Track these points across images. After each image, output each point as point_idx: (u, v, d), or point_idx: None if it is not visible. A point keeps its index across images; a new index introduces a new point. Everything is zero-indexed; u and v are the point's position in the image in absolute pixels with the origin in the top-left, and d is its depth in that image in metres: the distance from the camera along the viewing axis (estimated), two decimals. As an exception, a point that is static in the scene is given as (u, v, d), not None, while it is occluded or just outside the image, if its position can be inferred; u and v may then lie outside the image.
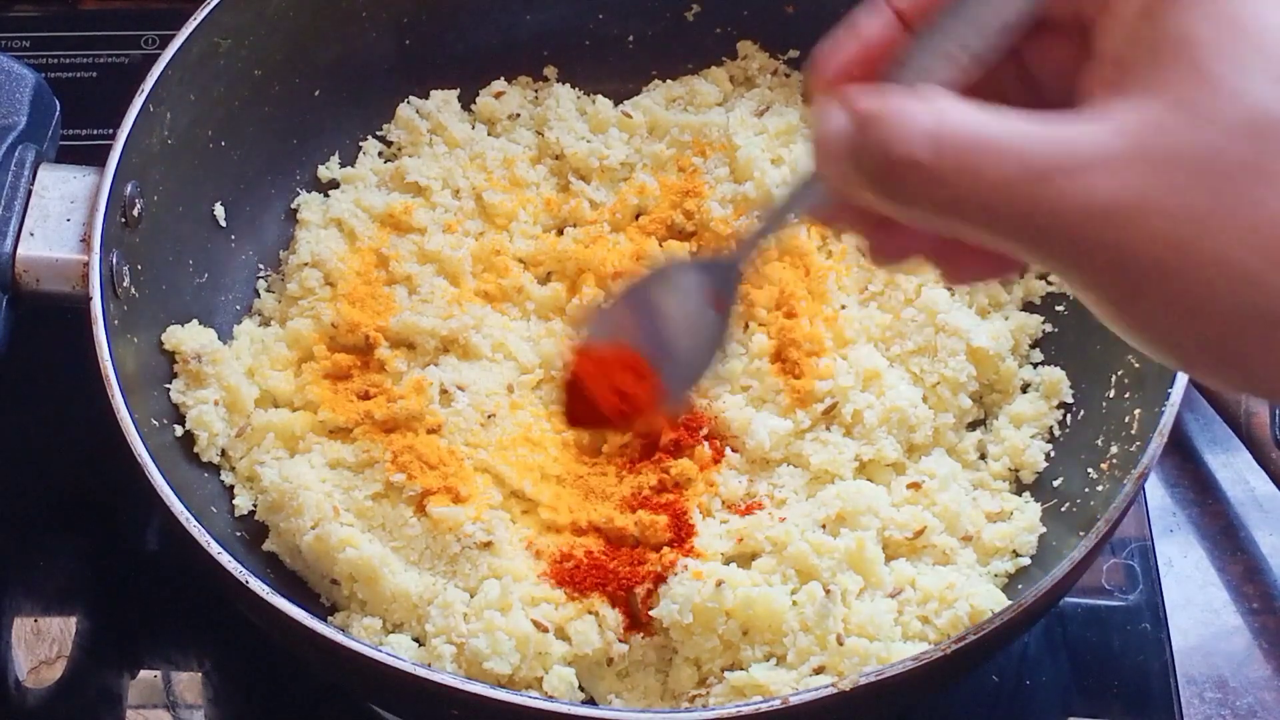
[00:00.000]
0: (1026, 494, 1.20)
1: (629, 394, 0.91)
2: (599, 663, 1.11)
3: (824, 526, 1.13)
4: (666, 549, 1.13)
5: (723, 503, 1.18)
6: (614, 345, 0.92)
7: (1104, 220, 0.63)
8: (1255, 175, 0.62)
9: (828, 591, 1.08)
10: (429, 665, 1.07)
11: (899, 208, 0.69)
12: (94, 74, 1.56)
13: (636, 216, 1.33)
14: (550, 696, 1.08)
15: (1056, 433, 1.22)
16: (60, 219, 1.14)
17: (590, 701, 1.11)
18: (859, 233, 0.80)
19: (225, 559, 1.01)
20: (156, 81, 1.18)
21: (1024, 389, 1.25)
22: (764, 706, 0.94)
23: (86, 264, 1.11)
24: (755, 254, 0.87)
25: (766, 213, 0.85)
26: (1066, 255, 0.66)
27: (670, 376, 0.91)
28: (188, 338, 1.21)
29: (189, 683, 1.24)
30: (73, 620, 1.26)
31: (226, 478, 1.21)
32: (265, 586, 1.00)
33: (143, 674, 1.24)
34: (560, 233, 1.33)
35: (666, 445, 1.19)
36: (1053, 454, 1.21)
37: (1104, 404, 1.18)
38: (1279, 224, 0.61)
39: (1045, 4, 0.72)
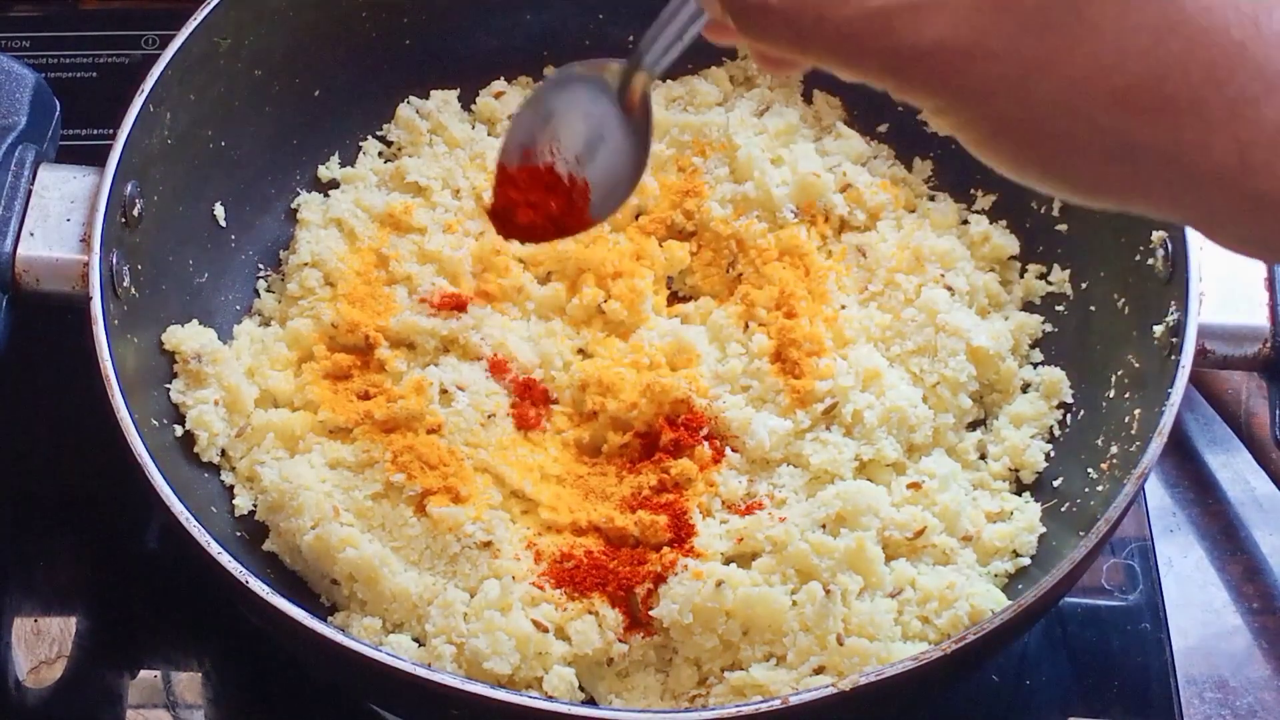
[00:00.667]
0: (1026, 494, 1.20)
1: (546, 209, 0.99)
2: (599, 663, 1.11)
3: (824, 526, 1.13)
4: (666, 549, 1.13)
5: (723, 503, 1.18)
6: (529, 164, 0.99)
7: (938, 59, 0.70)
8: (1076, 21, 0.68)
9: (828, 591, 1.08)
10: (429, 665, 1.07)
11: (757, 40, 0.76)
12: (94, 74, 1.56)
13: (636, 216, 1.33)
14: (550, 696, 1.07)
15: (1056, 433, 1.22)
16: (60, 219, 1.14)
17: (590, 701, 1.11)
18: (738, 44, 0.85)
19: (225, 559, 1.01)
20: (156, 81, 1.19)
21: (1024, 389, 1.25)
22: (764, 706, 0.94)
23: (86, 264, 1.12)
24: (657, 57, 0.90)
25: (658, 20, 0.89)
26: (910, 90, 0.72)
27: (595, 182, 0.98)
28: (188, 338, 1.21)
29: (189, 683, 1.24)
30: (73, 620, 1.26)
31: (226, 478, 1.21)
32: (265, 586, 1.00)
33: (143, 674, 1.24)
34: (560, 233, 1.33)
35: (666, 445, 1.19)
36: (1053, 454, 1.21)
37: (1104, 404, 1.18)
38: (1098, 66, 0.68)
39: None
